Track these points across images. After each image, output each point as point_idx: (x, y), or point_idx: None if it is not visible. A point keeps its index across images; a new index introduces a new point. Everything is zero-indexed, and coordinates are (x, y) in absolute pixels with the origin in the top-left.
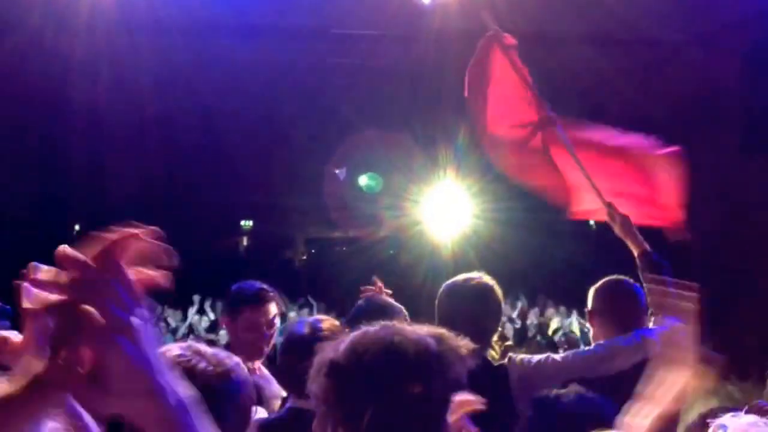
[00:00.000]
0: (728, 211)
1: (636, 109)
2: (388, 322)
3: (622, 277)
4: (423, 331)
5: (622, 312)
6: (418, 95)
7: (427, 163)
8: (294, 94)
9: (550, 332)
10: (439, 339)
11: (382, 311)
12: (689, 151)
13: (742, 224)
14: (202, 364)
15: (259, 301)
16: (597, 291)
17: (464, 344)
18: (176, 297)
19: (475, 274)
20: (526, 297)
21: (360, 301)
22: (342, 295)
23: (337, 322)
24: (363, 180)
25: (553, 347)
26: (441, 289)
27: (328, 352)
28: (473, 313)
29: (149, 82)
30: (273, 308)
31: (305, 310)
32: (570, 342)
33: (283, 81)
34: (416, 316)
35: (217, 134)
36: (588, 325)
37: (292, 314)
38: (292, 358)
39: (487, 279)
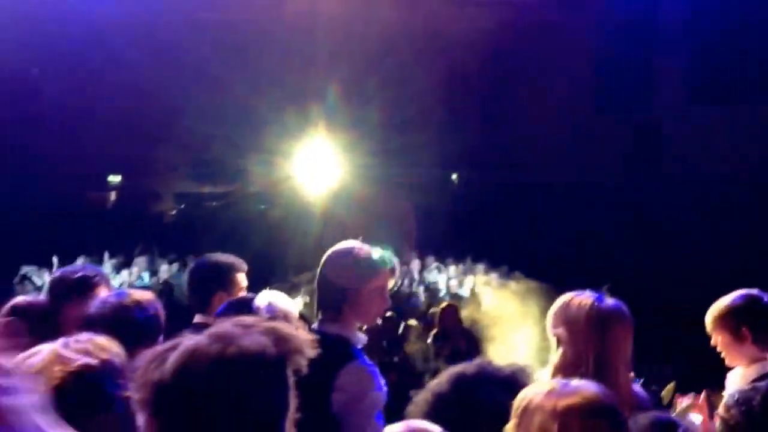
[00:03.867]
0: (584, 165)
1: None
2: (220, 329)
3: None
4: (259, 328)
5: None
6: (290, 51)
7: (299, 118)
8: (165, 49)
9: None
10: (277, 339)
11: (216, 270)
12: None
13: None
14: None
15: (84, 292)
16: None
17: (304, 336)
18: (42, 253)
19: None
20: (394, 252)
21: (191, 264)
22: (213, 250)
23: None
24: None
25: (414, 296)
26: None
27: (151, 370)
28: (327, 278)
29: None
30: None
31: (175, 266)
32: (431, 293)
33: (153, 36)
34: (284, 270)
35: (83, 87)
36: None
37: (164, 267)
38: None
39: (351, 244)
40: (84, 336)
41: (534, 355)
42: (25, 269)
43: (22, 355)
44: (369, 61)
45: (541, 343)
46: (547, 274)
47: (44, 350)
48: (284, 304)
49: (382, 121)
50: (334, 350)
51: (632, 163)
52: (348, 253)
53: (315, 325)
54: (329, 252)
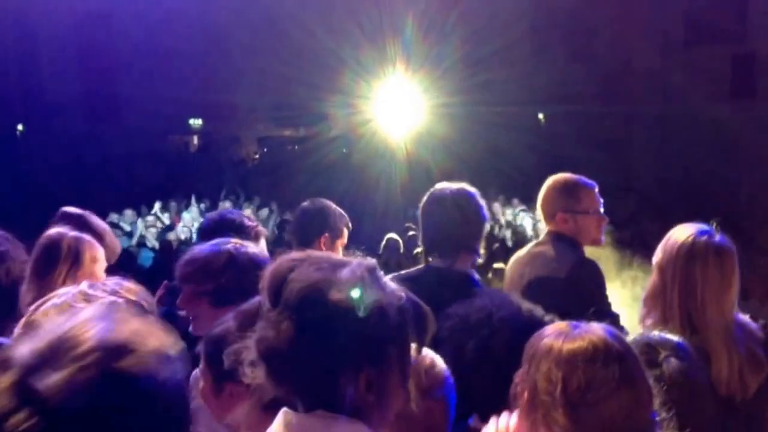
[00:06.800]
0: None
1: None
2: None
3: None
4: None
5: None
6: None
7: (376, 57)
8: None
9: (497, 227)
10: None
11: (326, 214)
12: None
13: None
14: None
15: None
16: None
17: (396, 289)
18: (130, 199)
19: (453, 184)
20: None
21: (301, 206)
22: (295, 193)
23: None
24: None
25: (500, 241)
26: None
27: (268, 332)
28: (445, 222)
29: None
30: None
31: (264, 210)
32: (516, 234)
33: None
34: (371, 214)
35: (161, 33)
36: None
37: (248, 212)
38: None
39: (463, 187)
40: (113, 279)
41: (625, 299)
42: (113, 216)
43: (49, 296)
44: None
45: (633, 290)
46: (641, 211)
47: (71, 290)
48: None
49: (463, 57)
50: (463, 284)
51: (725, 94)
52: (464, 194)
53: (434, 263)
54: (441, 195)
